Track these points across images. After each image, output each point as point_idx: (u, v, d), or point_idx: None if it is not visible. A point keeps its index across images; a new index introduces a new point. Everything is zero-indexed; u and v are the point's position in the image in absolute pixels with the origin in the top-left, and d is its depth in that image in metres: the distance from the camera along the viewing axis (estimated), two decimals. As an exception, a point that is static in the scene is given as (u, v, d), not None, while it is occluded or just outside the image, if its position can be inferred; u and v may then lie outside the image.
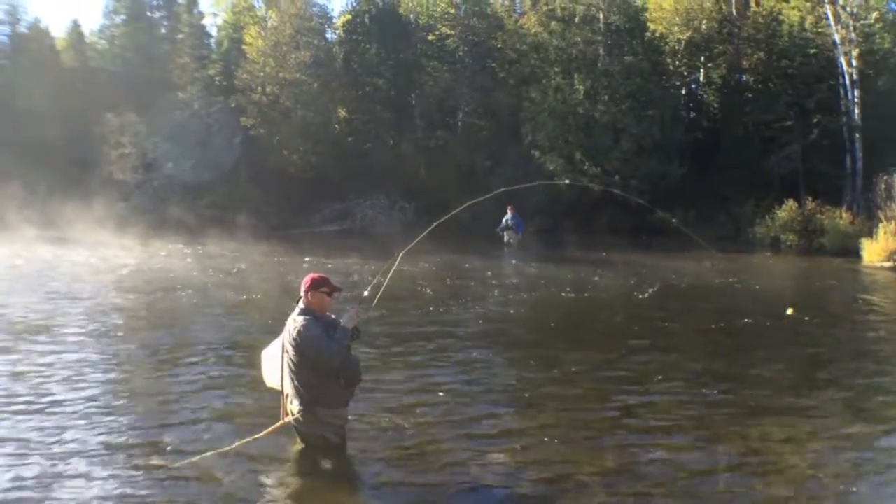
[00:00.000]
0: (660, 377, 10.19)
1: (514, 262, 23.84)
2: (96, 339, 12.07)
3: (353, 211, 36.51)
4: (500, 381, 10.05)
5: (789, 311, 16.24)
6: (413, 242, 7.58)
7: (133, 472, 6.74)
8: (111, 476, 6.66)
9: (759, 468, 7.11)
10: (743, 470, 7.11)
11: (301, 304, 6.75)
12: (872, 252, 24.72)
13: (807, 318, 14.36)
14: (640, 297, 17.15)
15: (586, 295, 17.49)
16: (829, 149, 32.72)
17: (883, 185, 26.90)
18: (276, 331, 7.21)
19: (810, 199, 29.93)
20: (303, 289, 6.78)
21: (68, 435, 7.56)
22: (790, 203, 29.81)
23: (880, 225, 25.40)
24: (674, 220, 17.46)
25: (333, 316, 6.97)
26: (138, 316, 14.27)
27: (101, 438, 7.52)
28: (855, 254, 25.51)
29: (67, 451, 7.16)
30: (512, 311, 15.45)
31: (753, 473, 7.02)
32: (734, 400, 9.25)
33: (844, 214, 28.63)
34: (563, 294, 17.49)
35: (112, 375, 10.03)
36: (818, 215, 28.97)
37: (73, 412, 8.27)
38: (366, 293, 7.08)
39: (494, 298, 16.84)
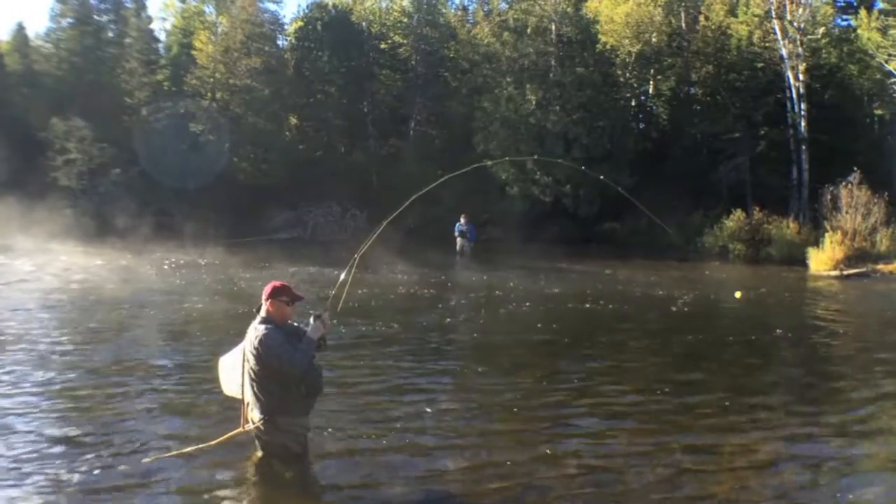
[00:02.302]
0: (612, 383, 10.27)
1: (467, 272, 23.72)
2: (33, 348, 11.74)
3: (305, 219, 36.21)
4: (461, 390, 9.95)
5: (737, 295, 16.45)
6: (366, 243, 7.42)
7: (81, 477, 6.56)
8: (56, 481, 6.48)
9: (709, 470, 7.15)
10: (693, 473, 7.12)
11: (262, 313, 6.60)
12: (819, 261, 25.28)
13: (759, 327, 14.51)
14: (608, 306, 17.22)
15: (551, 305, 17.50)
16: (776, 160, 33.46)
17: (829, 197, 27.42)
18: (220, 343, 7.06)
19: (758, 209, 30.52)
20: (263, 297, 6.63)
21: (14, 438, 7.42)
22: (738, 213, 30.33)
23: (826, 235, 25.97)
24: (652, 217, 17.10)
25: (296, 324, 6.84)
26: (79, 329, 13.81)
27: (49, 442, 7.36)
28: (801, 263, 26.03)
29: (12, 455, 7.00)
30: (463, 317, 15.42)
31: (704, 475, 7.04)
32: (685, 404, 9.31)
33: (791, 224, 29.22)
34: (534, 304, 17.48)
35: (52, 383, 9.70)
36: (765, 225, 29.52)
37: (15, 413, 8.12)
38: (328, 303, 6.94)
39: (448, 308, 16.78)
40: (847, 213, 26.68)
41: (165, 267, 22.38)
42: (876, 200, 26.74)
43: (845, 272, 24.25)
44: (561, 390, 9.85)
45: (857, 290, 21.16)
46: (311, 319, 6.58)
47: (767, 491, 6.72)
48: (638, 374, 10.91)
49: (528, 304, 17.16)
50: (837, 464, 7.40)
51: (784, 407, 9.30)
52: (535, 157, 28.32)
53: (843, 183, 27.30)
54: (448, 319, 14.93)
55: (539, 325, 14.36)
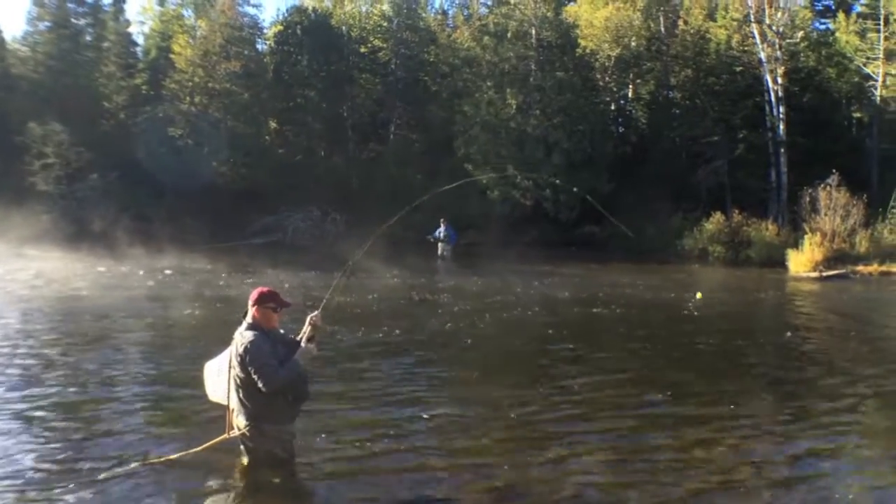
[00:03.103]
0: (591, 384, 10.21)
1: (448, 277, 23.59)
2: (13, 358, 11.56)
3: (284, 223, 35.97)
4: (460, 397, 9.72)
5: (698, 296, 16.51)
6: (361, 251, 7.35)
7: (62, 484, 6.45)
8: (39, 489, 6.38)
9: (692, 469, 7.17)
10: (677, 471, 7.13)
11: (248, 319, 6.51)
12: (798, 263, 25.44)
13: (741, 328, 14.51)
14: (616, 310, 17.20)
15: (537, 309, 17.45)
16: (755, 163, 33.69)
17: (808, 199, 27.58)
18: (203, 349, 6.94)
19: (737, 211, 30.65)
20: (249, 303, 6.54)
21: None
22: (717, 216, 30.44)
23: (805, 237, 26.12)
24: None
25: (283, 331, 6.75)
26: (54, 336, 13.56)
27: (28, 448, 7.26)
28: (781, 264, 26.16)
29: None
30: (464, 324, 15.32)
31: (685, 474, 7.06)
32: (670, 406, 9.32)
33: (770, 226, 29.38)
34: (526, 311, 17.42)
35: (34, 392, 9.57)
36: (745, 227, 29.65)
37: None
38: (317, 311, 6.74)
39: (449, 313, 16.65)
40: (826, 215, 26.87)
41: (142, 272, 22.15)
42: (854, 202, 26.99)
43: (825, 273, 24.36)
44: (564, 397, 9.73)
45: (837, 291, 21.23)
46: (306, 325, 6.52)
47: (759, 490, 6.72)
48: (643, 377, 10.87)
49: (535, 309, 17.02)
50: (820, 463, 7.44)
51: (773, 408, 9.35)
52: (518, 174, 28.12)
53: (822, 185, 27.52)
54: (448, 325, 14.71)
55: (550, 332, 14.28)
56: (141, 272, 22.18)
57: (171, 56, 37.88)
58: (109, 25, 41.48)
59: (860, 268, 25.38)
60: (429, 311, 16.61)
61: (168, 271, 22.49)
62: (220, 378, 6.72)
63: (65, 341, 12.46)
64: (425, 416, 8.66)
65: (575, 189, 11.12)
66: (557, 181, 26.61)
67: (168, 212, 33.13)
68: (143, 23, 44.62)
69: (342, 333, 13.01)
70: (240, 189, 35.61)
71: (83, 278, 20.71)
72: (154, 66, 40.22)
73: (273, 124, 40.54)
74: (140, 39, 44.30)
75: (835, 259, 25.85)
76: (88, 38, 41.01)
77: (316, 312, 6.64)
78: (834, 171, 27.52)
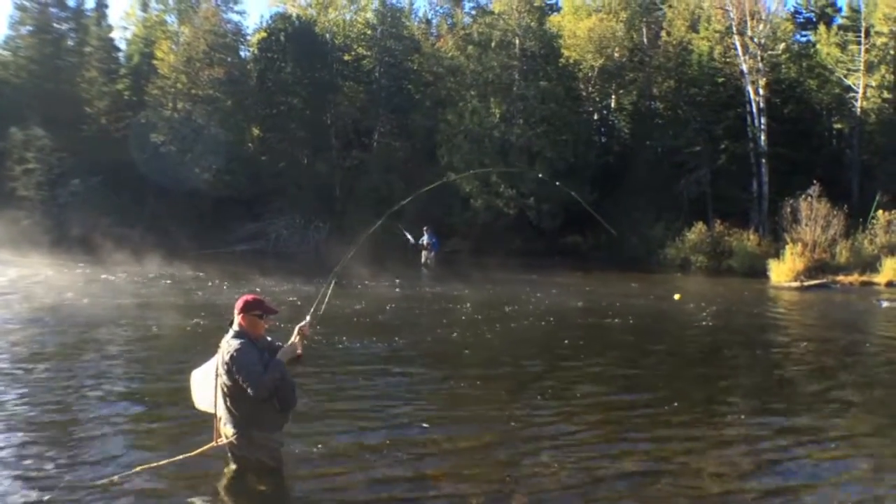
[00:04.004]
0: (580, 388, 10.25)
1: (433, 283, 23.55)
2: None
3: (267, 230, 35.88)
4: (433, 403, 9.78)
5: (676, 297, 16.61)
6: (345, 259, 7.30)
7: (49, 493, 6.39)
8: (22, 499, 6.32)
9: (673, 471, 7.24)
10: (657, 473, 7.21)
11: (234, 327, 6.48)
12: (780, 273, 25.60)
13: (725, 337, 14.58)
14: (614, 319, 17.20)
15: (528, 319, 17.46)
16: (737, 173, 33.92)
17: (789, 209, 27.77)
18: (187, 358, 6.90)
19: (718, 221, 30.86)
20: (235, 310, 6.51)
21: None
22: (699, 225, 30.64)
23: (787, 247, 26.28)
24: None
25: (270, 338, 6.71)
26: (36, 345, 13.40)
27: (11, 457, 7.20)
28: (762, 274, 26.33)
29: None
30: (470, 333, 15.31)
31: (666, 475, 7.14)
32: (650, 408, 9.39)
33: (752, 237, 29.59)
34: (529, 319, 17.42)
35: (18, 398, 9.48)
36: (726, 237, 29.85)
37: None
38: (307, 319, 6.72)
39: (453, 323, 16.62)
40: (807, 225, 27.07)
41: (124, 278, 22.03)
42: (835, 213, 27.24)
43: (806, 283, 24.54)
44: (571, 405, 9.72)
45: (819, 301, 21.36)
46: (294, 335, 6.51)
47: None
48: (647, 383, 10.90)
49: (546, 320, 17.03)
50: (803, 469, 7.50)
51: (755, 415, 9.40)
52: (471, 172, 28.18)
53: (803, 196, 27.73)
54: (454, 333, 14.64)
55: (566, 342, 14.25)
56: (123, 278, 22.06)
57: (154, 62, 37.75)
58: (92, 30, 41.20)
59: (841, 278, 25.57)
60: (419, 317, 16.62)
61: (151, 276, 22.39)
62: (206, 386, 6.68)
63: (46, 349, 12.34)
64: (426, 425, 8.61)
65: (557, 183, 11.16)
66: (540, 175, 26.61)
67: (150, 218, 33.00)
68: (125, 28, 44.32)
69: (338, 340, 12.98)
70: (222, 196, 35.47)
71: (64, 284, 20.53)
72: (137, 72, 40.03)
73: (256, 131, 40.44)
74: (122, 45, 44.06)
75: (816, 269, 26.04)
76: (71, 42, 40.72)
77: (304, 321, 6.61)
78: (815, 181, 27.80)
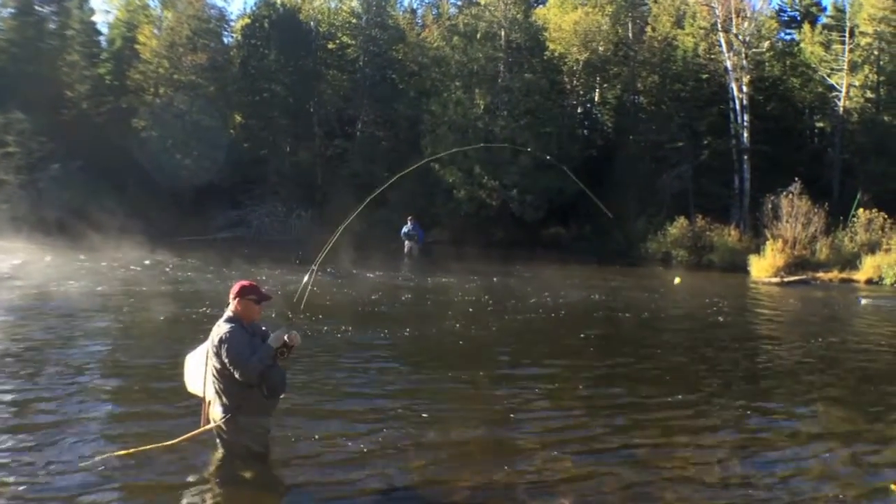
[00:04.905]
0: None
1: (417, 274, 23.47)
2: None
3: (249, 218, 35.74)
4: (417, 394, 9.71)
5: (676, 281, 16.63)
6: (325, 248, 7.20)
7: (34, 477, 6.38)
8: (7, 482, 6.27)
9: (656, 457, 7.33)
10: (642, 459, 7.28)
11: (228, 312, 6.48)
12: (760, 268, 25.77)
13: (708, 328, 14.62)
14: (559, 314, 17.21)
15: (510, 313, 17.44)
16: (719, 169, 34.07)
17: (770, 206, 27.90)
18: (172, 344, 6.82)
19: (700, 216, 30.94)
20: (230, 296, 6.51)
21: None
22: (681, 220, 30.73)
23: (767, 243, 26.41)
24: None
25: (265, 327, 6.68)
26: (22, 331, 13.21)
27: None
28: (743, 269, 26.51)
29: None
30: (475, 327, 15.26)
31: (649, 461, 7.20)
32: (632, 398, 9.46)
33: (732, 232, 29.73)
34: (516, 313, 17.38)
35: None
36: (708, 232, 29.96)
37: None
38: (293, 306, 6.78)
39: (400, 312, 16.61)
40: (787, 222, 27.22)
41: (104, 263, 21.85)
42: (816, 210, 27.42)
43: (786, 279, 24.69)
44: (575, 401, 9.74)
45: (799, 297, 21.44)
46: (277, 331, 6.43)
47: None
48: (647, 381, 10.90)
49: (536, 312, 16.99)
50: (780, 460, 7.59)
51: (734, 409, 9.45)
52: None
53: (784, 193, 27.86)
54: (458, 325, 14.55)
55: (582, 336, 14.24)
56: (102, 265, 21.85)
57: (136, 46, 37.46)
58: (74, 14, 40.77)
59: (820, 274, 25.75)
60: (438, 311, 16.58)
61: (131, 263, 22.20)
62: (198, 370, 6.70)
63: (27, 335, 12.21)
64: (425, 415, 8.62)
65: (548, 157, 11.12)
66: (529, 150, 26.53)
67: (131, 204, 32.56)
68: (108, 12, 43.85)
69: (323, 329, 12.91)
70: (204, 183, 35.23)
71: (41, 269, 20.34)
72: (118, 57, 39.64)
73: (239, 118, 40.22)
74: (105, 29, 43.64)
75: (796, 265, 26.21)
76: (52, 26, 40.26)
77: (294, 332, 6.42)
78: (796, 178, 27.99)
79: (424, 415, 8.61)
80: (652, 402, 9.41)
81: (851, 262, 26.13)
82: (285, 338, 6.33)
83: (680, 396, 9.71)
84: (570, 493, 6.50)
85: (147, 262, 23.00)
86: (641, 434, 8.19)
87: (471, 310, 16.45)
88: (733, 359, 12.70)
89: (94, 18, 42.51)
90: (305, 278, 6.91)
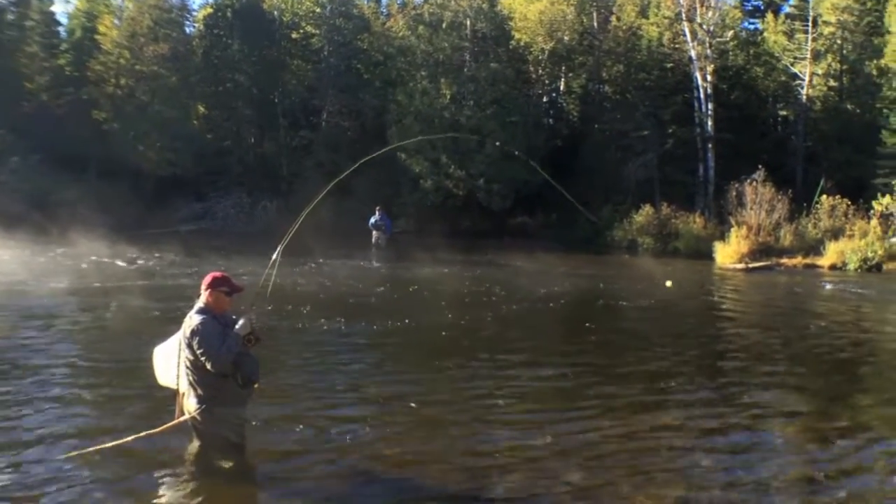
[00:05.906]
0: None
1: (377, 265, 23.44)
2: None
3: (214, 210, 35.43)
4: (401, 384, 9.67)
5: (668, 284, 16.72)
6: (287, 237, 7.12)
7: (13, 468, 6.35)
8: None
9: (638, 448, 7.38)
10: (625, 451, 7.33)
11: (199, 303, 6.43)
12: (725, 255, 26.02)
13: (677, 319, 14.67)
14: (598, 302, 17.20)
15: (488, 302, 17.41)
16: (684, 157, 34.29)
17: (734, 193, 28.11)
18: (144, 338, 6.71)
19: (665, 204, 31.11)
20: (202, 287, 6.47)
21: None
22: (647, 208, 30.90)
23: (732, 230, 26.63)
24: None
25: (235, 316, 6.58)
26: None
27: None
28: (708, 256, 26.73)
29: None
30: (467, 320, 15.19)
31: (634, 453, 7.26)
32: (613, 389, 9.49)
33: (697, 219, 29.92)
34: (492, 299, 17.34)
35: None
36: (673, 220, 30.14)
37: None
38: (254, 297, 6.68)
39: (369, 304, 16.53)
40: (752, 209, 27.44)
41: (70, 263, 21.49)
42: (780, 197, 27.65)
43: (751, 265, 24.90)
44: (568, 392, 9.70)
45: (763, 283, 21.61)
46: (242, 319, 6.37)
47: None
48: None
49: (521, 304, 16.94)
50: (742, 446, 7.68)
51: (701, 394, 9.57)
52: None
53: (748, 180, 28.08)
54: (450, 315, 14.53)
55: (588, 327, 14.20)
56: (61, 260, 21.54)
57: (97, 37, 36.91)
58: (33, 4, 40.08)
59: (785, 260, 25.98)
60: (416, 303, 16.55)
61: (93, 257, 21.89)
62: (169, 362, 6.65)
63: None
64: (414, 404, 8.58)
65: (517, 153, 11.10)
66: (497, 143, 26.52)
67: (93, 197, 32.06)
68: (67, 2, 43.60)
69: (297, 320, 12.78)
70: (167, 174, 34.94)
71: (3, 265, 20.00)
72: (78, 47, 39.01)
73: (202, 109, 39.81)
74: (64, 19, 42.98)
75: (760, 252, 26.42)
76: (11, 16, 39.56)
77: (250, 314, 6.41)
78: (760, 166, 28.23)
79: (413, 404, 8.59)
80: (619, 376, 9.41)
81: (815, 248, 26.38)
82: (249, 329, 6.28)
83: (643, 380, 9.75)
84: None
85: (108, 256, 22.65)
86: (611, 416, 8.25)
87: (443, 303, 16.39)
88: (695, 344, 12.87)
89: (53, 9, 41.79)
90: (268, 266, 6.82)
